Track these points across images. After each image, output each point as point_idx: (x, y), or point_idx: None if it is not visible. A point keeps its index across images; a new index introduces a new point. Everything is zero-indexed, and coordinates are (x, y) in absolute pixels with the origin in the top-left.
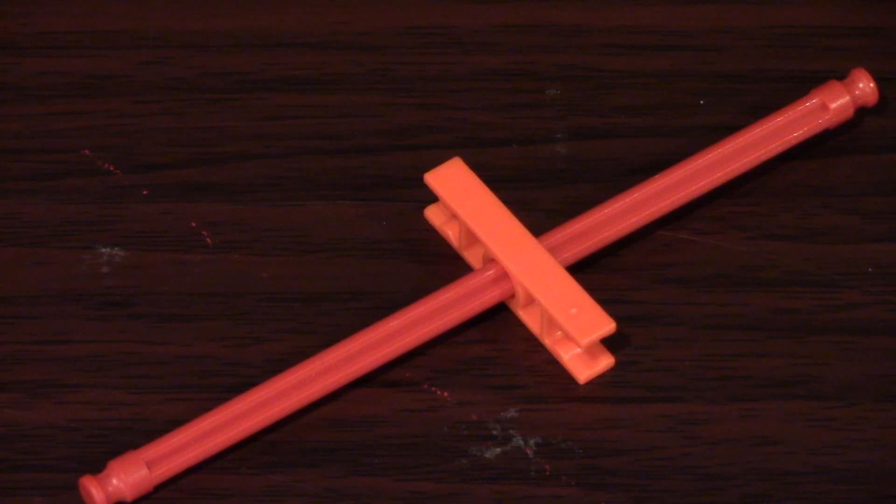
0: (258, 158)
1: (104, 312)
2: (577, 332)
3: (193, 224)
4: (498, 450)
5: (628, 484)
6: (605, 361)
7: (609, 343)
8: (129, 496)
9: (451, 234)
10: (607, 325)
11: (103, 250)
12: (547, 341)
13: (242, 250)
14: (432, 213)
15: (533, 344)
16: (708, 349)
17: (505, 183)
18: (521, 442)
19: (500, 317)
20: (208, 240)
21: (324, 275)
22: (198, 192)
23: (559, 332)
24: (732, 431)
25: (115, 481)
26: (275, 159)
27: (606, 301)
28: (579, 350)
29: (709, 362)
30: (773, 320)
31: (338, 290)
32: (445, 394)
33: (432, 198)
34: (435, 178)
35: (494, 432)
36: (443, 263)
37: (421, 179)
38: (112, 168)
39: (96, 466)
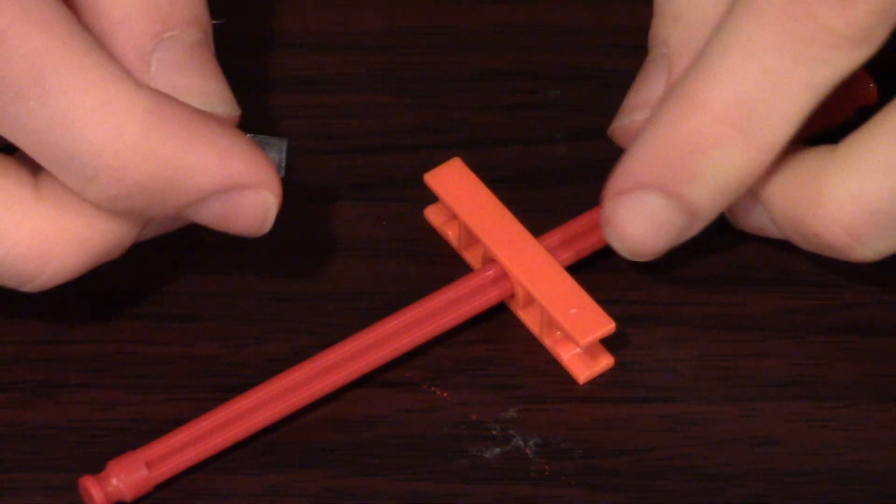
0: None
1: (104, 312)
2: (576, 332)
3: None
4: (498, 450)
5: (628, 484)
6: (605, 361)
7: (609, 343)
8: (128, 496)
9: (451, 234)
10: (607, 325)
11: None
12: (547, 341)
13: (243, 250)
14: (432, 213)
15: (533, 344)
16: (708, 349)
17: (505, 183)
18: (521, 442)
19: (500, 317)
20: (208, 240)
21: (324, 275)
22: None
23: (559, 332)
24: (732, 431)
25: (114, 481)
26: None
27: (606, 301)
28: (579, 350)
29: (709, 362)
30: (773, 320)
31: (338, 290)
32: (445, 394)
33: (432, 198)
34: (435, 179)
35: (494, 432)
36: (443, 263)
37: (421, 179)
38: None
39: (96, 466)
